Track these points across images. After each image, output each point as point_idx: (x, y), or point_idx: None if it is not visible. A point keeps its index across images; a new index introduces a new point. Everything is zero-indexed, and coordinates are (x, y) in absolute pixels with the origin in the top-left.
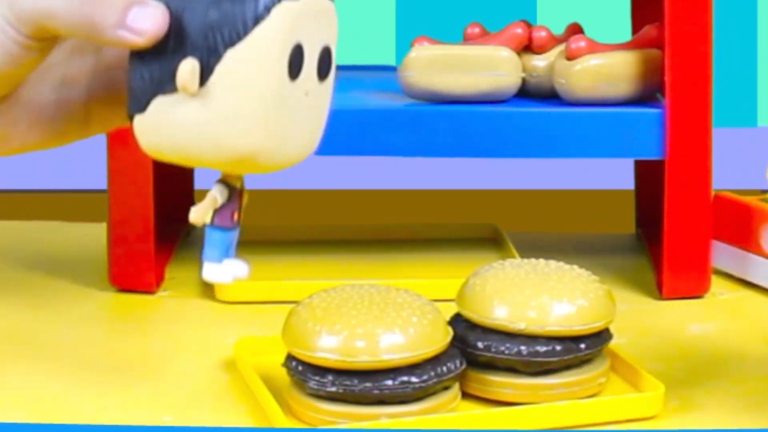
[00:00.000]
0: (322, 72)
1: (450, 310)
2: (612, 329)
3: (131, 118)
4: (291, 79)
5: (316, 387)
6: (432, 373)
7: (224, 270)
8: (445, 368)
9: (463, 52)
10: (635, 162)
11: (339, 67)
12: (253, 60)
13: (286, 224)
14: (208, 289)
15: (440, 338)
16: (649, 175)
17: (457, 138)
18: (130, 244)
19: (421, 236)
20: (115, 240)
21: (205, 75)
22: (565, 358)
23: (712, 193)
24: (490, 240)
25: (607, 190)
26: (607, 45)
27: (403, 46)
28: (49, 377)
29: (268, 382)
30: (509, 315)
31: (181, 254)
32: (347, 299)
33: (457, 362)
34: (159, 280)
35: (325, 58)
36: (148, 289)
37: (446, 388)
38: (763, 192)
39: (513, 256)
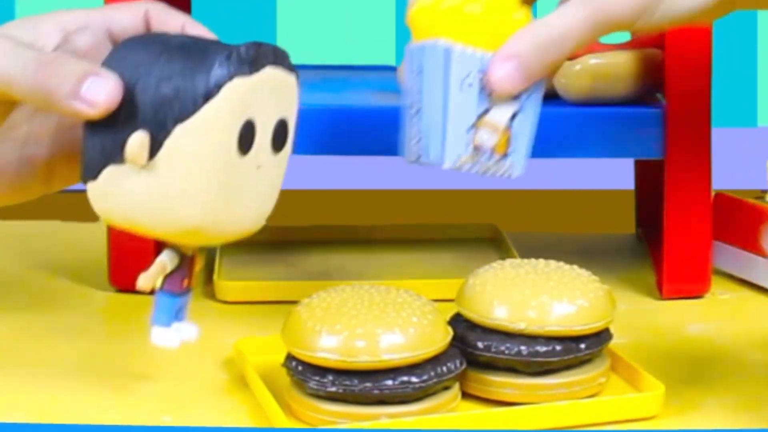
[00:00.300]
0: (277, 144)
1: (450, 310)
2: (612, 329)
3: (85, 183)
4: (241, 155)
5: (316, 387)
6: (432, 373)
7: (172, 334)
8: (445, 368)
9: None
10: (635, 162)
11: (339, 67)
12: (201, 136)
13: (286, 224)
14: (208, 289)
15: (440, 338)
16: (649, 175)
17: None
18: (130, 244)
19: (421, 236)
20: (115, 240)
21: (154, 148)
22: (565, 358)
23: (712, 193)
24: (490, 240)
25: (607, 190)
26: (607, 45)
27: (403, 46)
28: (49, 377)
29: (268, 382)
30: (509, 315)
31: None
32: (347, 299)
33: (457, 362)
34: None
35: (280, 131)
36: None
37: (446, 388)
38: (763, 192)
39: (513, 256)
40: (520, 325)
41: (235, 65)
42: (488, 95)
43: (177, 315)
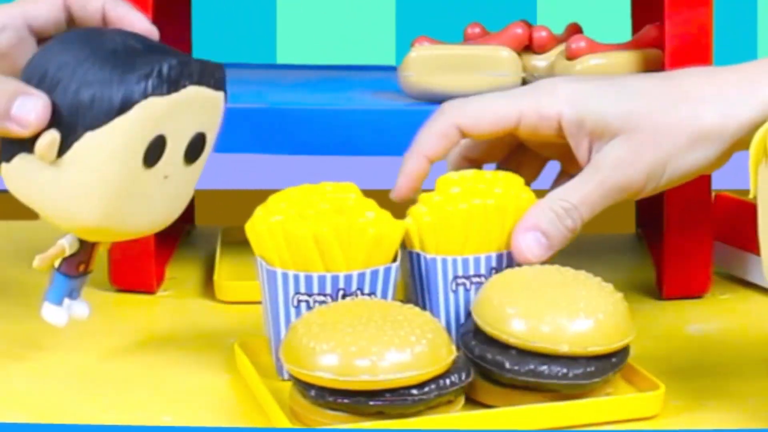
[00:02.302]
0: (191, 156)
1: None
2: None
3: None
4: (146, 167)
5: (315, 396)
6: (433, 386)
7: (62, 312)
8: (448, 381)
9: (463, 52)
10: None
11: (339, 67)
12: (107, 146)
13: None
14: (208, 289)
15: (441, 358)
16: None
17: None
18: (130, 244)
19: None
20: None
21: (63, 149)
22: (603, 377)
23: (713, 193)
24: None
25: None
26: (607, 45)
27: (403, 46)
28: (49, 377)
29: (268, 382)
30: (550, 336)
31: (181, 254)
32: (344, 315)
33: (462, 375)
34: (159, 280)
35: (196, 144)
36: (148, 289)
37: (450, 401)
38: None
39: None
40: (564, 348)
41: (153, 83)
42: None
43: (71, 294)
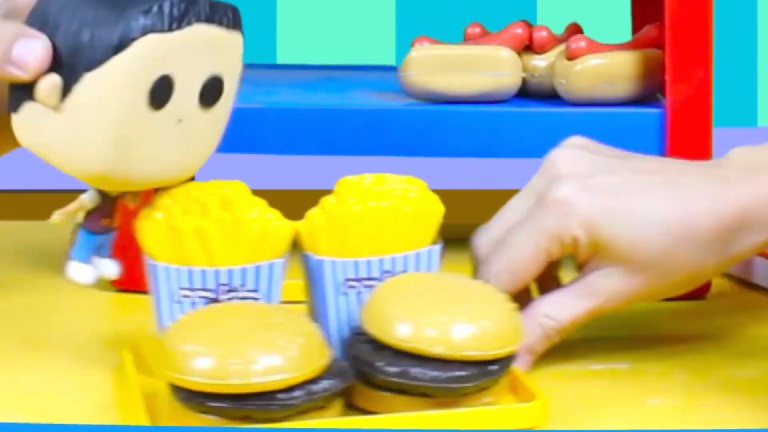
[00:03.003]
0: (207, 100)
1: None
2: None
3: (9, 114)
4: (153, 109)
5: (184, 399)
6: (302, 391)
7: (88, 270)
8: (319, 386)
9: (463, 52)
10: None
11: (339, 67)
12: (106, 87)
13: None
14: None
15: (311, 362)
16: None
17: (457, 138)
18: (130, 243)
19: None
20: (115, 240)
21: (65, 93)
22: (482, 381)
23: None
24: None
25: None
26: (607, 45)
27: (403, 46)
28: (49, 377)
29: (152, 382)
30: (424, 336)
31: None
32: (216, 318)
33: (337, 381)
34: None
35: (211, 87)
36: (148, 289)
37: (322, 407)
38: None
39: None
40: (438, 349)
41: (152, 20)
42: None
43: (99, 251)
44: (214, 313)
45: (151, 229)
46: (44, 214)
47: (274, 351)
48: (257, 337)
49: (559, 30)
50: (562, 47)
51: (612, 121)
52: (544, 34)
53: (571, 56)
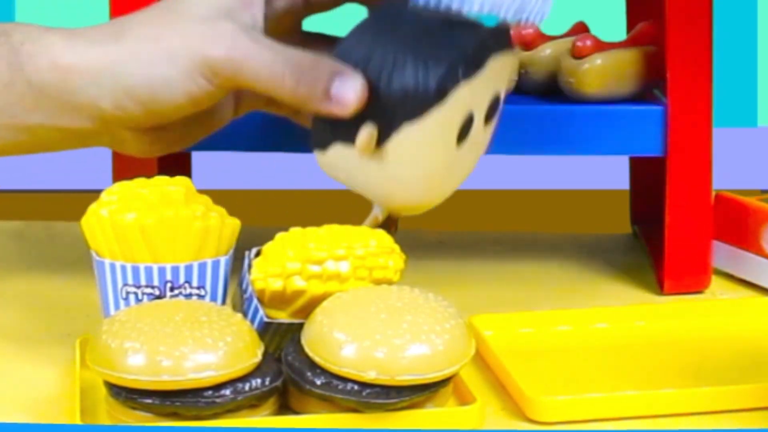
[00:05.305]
0: (489, 117)
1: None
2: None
3: (313, 150)
4: (459, 143)
5: (115, 395)
6: (230, 389)
7: None
8: (248, 385)
9: None
10: (630, 159)
11: None
12: (425, 137)
13: (286, 224)
14: None
15: (240, 361)
16: (644, 172)
17: None
18: None
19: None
20: None
21: (381, 139)
22: (410, 398)
23: (713, 193)
24: None
25: (606, 190)
26: (610, 43)
27: None
28: (49, 377)
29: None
30: (356, 361)
31: None
32: (149, 314)
33: (267, 380)
34: None
35: (493, 106)
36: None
37: (253, 406)
38: (763, 192)
39: None
40: (370, 374)
41: (462, 71)
42: None
43: None
44: (146, 310)
45: (98, 226)
46: (44, 214)
47: (204, 348)
48: (188, 335)
49: (560, 29)
50: (550, 44)
51: (613, 118)
52: (530, 30)
53: (577, 54)
